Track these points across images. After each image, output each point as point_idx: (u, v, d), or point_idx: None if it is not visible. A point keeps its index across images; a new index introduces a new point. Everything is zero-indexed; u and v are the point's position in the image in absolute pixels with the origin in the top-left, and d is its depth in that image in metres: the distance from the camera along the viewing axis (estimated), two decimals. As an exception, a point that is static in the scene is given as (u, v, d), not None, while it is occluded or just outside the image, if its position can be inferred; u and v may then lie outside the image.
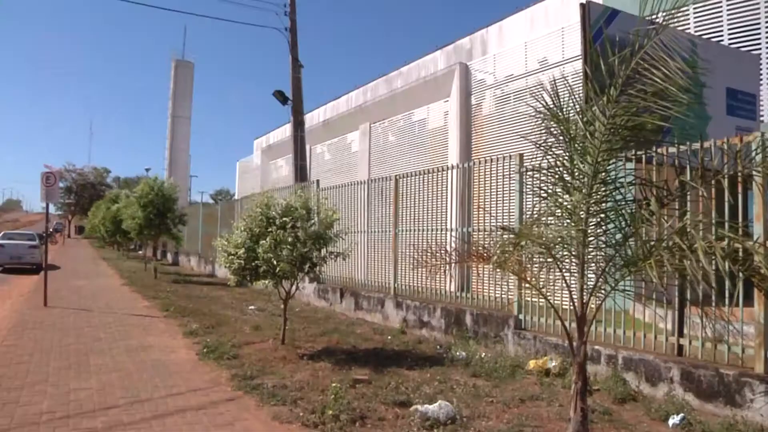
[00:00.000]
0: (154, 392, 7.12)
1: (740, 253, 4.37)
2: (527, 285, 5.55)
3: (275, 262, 9.12)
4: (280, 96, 21.80)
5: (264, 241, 9.24)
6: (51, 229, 57.75)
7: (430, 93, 22.16)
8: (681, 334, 7.47)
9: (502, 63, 18.94)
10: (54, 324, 11.96)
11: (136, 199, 23.59)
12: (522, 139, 6.06)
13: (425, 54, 24.44)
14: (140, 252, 42.36)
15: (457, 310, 10.69)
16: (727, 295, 5.79)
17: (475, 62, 20.52)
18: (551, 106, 5.15)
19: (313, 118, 32.90)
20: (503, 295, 10.00)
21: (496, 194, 10.23)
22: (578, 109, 5.08)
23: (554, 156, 5.18)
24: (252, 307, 15.16)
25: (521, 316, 9.39)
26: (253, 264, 9.44)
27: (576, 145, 4.99)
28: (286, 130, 32.78)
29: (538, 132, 5.31)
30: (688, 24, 15.30)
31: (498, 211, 10.07)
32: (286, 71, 22.75)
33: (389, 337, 11.12)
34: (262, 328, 11.64)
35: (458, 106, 20.42)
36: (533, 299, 9.14)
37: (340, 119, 29.75)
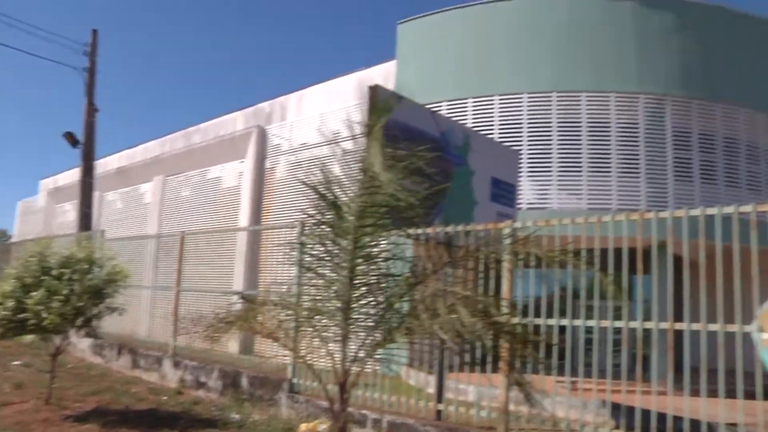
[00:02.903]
0: None
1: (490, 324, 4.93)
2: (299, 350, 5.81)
3: (44, 315, 8.55)
4: (71, 138, 20.58)
5: (35, 293, 8.64)
6: None
7: (226, 152, 22.21)
8: (440, 399, 8.11)
9: (299, 131, 19.61)
10: None
11: None
12: (310, 206, 6.33)
13: (226, 113, 24.58)
14: None
15: (234, 372, 10.66)
16: (487, 362, 6.47)
17: (273, 127, 21.03)
18: (322, 180, 5.51)
19: (107, 164, 31.36)
20: (280, 359, 10.17)
21: (281, 260, 10.46)
22: (343, 187, 5.46)
23: (323, 228, 5.53)
24: (17, 362, 13.85)
25: (295, 380, 9.58)
26: (21, 317, 8.75)
27: (340, 220, 5.37)
28: (76, 173, 30.84)
29: (316, 203, 5.66)
30: (466, 117, 17.05)
31: (283, 277, 10.28)
32: (78, 112, 21.64)
33: (165, 398, 10.75)
34: (26, 386, 10.68)
35: (253, 168, 20.68)
36: (307, 363, 9.38)
37: (135, 168, 28.67)
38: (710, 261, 6.26)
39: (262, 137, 21.01)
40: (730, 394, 6.04)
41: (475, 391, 7.94)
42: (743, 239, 6.19)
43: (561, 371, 7.36)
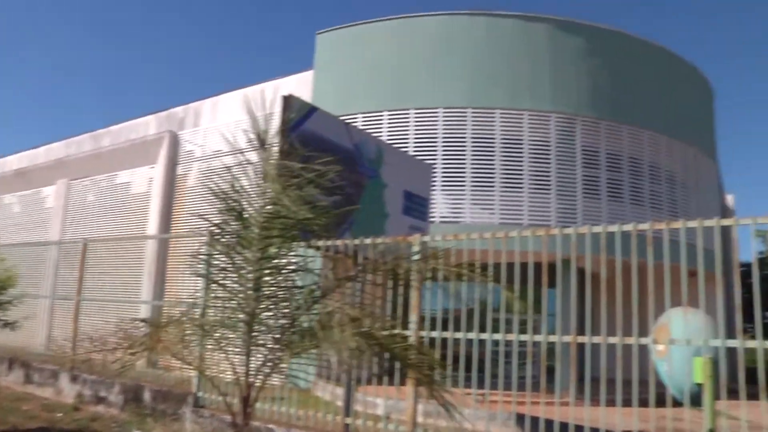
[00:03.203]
0: None
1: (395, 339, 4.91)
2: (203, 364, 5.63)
3: None
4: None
5: None
6: None
7: (137, 157, 21.52)
8: (348, 413, 8.03)
9: (212, 138, 19.22)
10: None
11: None
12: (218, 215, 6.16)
13: (138, 117, 23.82)
14: None
15: (137, 386, 10.26)
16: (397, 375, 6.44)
17: (186, 132, 20.55)
18: (231, 190, 5.38)
19: (5, 165, 29.85)
20: (185, 372, 9.87)
21: (188, 270, 10.16)
22: (252, 197, 5.36)
23: (229, 238, 5.40)
24: None
25: (200, 394, 9.31)
26: None
27: (245, 231, 5.25)
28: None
29: (222, 212, 5.51)
30: (382, 129, 17.14)
31: (189, 288, 10.00)
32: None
33: (60, 415, 10.23)
34: None
35: (163, 175, 20.12)
36: (209, 377, 9.14)
37: (37, 171, 27.34)
38: (613, 276, 6.46)
39: (175, 143, 20.49)
40: (627, 402, 6.25)
41: (385, 404, 7.91)
42: (641, 255, 6.42)
43: (470, 384, 7.42)
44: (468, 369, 7.43)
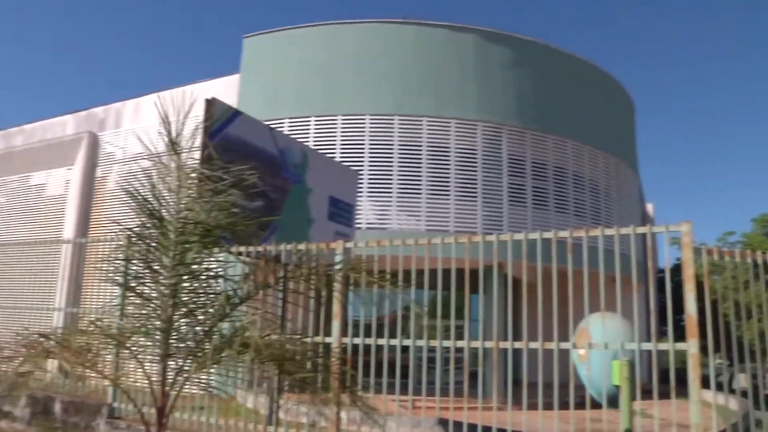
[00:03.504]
0: None
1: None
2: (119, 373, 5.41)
3: None
4: None
5: None
6: None
7: (53, 158, 20.67)
8: (272, 422, 7.86)
9: (134, 140, 18.66)
10: None
11: None
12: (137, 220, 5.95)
13: (56, 116, 22.88)
14: None
15: (46, 398, 9.76)
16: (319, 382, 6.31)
17: (106, 134, 19.90)
18: (149, 193, 5.20)
19: None
20: (100, 382, 9.48)
21: (105, 276, 9.78)
22: (170, 202, 5.19)
23: (147, 244, 5.20)
24: None
25: (116, 404, 8.96)
26: None
27: (162, 236, 5.07)
28: None
29: (140, 217, 5.31)
30: (309, 135, 17.02)
31: (106, 295, 9.63)
32: None
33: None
34: None
35: (82, 177, 19.41)
36: (122, 387, 8.81)
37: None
38: (536, 282, 6.55)
39: (94, 144, 19.81)
40: (549, 406, 6.35)
41: (310, 412, 7.77)
42: (563, 261, 6.53)
43: (398, 390, 7.37)
44: (393, 375, 7.39)
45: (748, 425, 6.69)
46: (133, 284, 5.23)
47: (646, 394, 6.59)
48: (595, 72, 21.48)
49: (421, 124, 17.34)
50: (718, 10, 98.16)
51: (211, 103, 8.68)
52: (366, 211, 16.23)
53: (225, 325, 5.30)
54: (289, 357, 4.59)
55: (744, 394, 16.55)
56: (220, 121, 8.65)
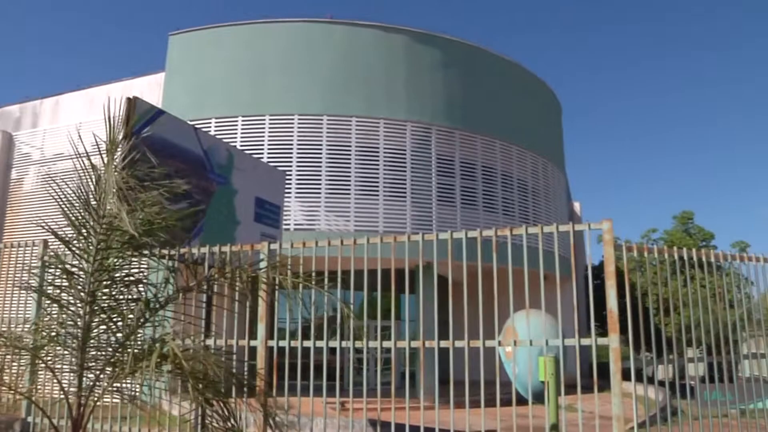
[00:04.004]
0: None
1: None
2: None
3: None
4: None
5: None
6: None
7: (-37, 158, 19.72)
8: (200, 429, 7.66)
9: (53, 140, 17.99)
10: None
11: None
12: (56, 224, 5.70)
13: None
14: None
15: (-46, 414, 9.26)
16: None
17: (22, 134, 19.09)
18: (69, 196, 4.99)
19: None
20: (11, 395, 9.03)
21: (19, 283, 9.35)
22: (90, 205, 4.99)
23: (66, 248, 4.98)
24: None
25: (30, 419, 8.55)
26: None
27: (82, 240, 4.88)
28: None
29: (59, 221, 5.09)
30: (236, 135, 16.75)
31: (22, 303, 9.21)
32: None
33: None
34: None
35: (-4, 179, 18.59)
36: (48, 399, 8.45)
37: None
38: (464, 281, 6.58)
39: (9, 144, 18.97)
40: (476, 403, 6.39)
41: (241, 417, 7.61)
42: (488, 260, 6.59)
43: (330, 392, 7.31)
44: (329, 378, 7.33)
45: (669, 413, 6.92)
46: (49, 290, 5.00)
47: (572, 388, 6.72)
48: (523, 73, 21.91)
49: (350, 124, 17.31)
50: (637, 17, 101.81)
51: (132, 102, 8.43)
52: (294, 212, 16.10)
53: (148, 331, 5.14)
54: (208, 371, 4.45)
55: (663, 384, 17.16)
56: (142, 120, 8.41)
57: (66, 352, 4.90)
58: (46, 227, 5.14)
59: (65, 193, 5.00)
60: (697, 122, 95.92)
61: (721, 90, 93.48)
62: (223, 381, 4.85)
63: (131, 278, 5.06)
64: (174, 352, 4.02)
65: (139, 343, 4.82)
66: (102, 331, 5.02)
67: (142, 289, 5.16)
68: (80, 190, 5.05)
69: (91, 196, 5.04)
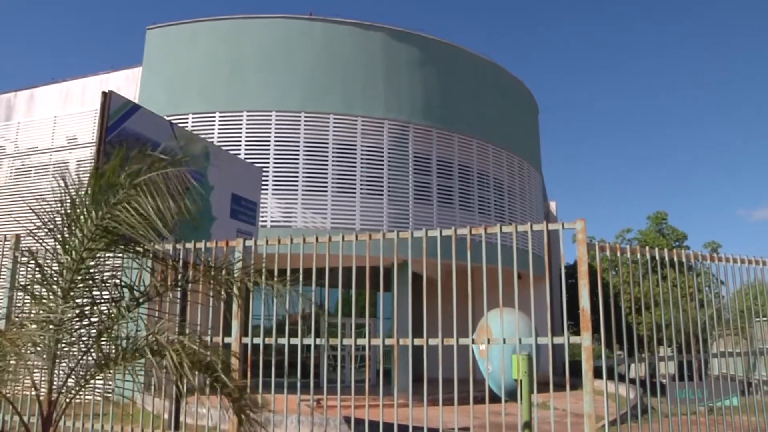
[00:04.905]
0: None
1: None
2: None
3: None
4: None
5: None
6: None
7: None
8: (176, 426, 7.64)
9: (28, 133, 17.73)
10: None
11: None
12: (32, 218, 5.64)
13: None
14: None
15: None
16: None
17: (-4, 127, 18.81)
18: (47, 191, 4.95)
19: None
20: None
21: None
22: (73, 200, 4.94)
23: (41, 243, 4.94)
24: None
25: None
26: None
27: (58, 235, 4.85)
28: None
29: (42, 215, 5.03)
30: (213, 131, 16.68)
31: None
32: None
33: None
34: None
35: (-32, 172, 18.29)
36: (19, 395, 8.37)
37: None
38: (443, 279, 6.63)
39: (-18, 137, 18.68)
40: (450, 401, 6.44)
41: (214, 414, 7.61)
42: (463, 258, 6.63)
43: (305, 389, 7.32)
44: (303, 375, 7.34)
45: (640, 411, 7.03)
46: (23, 284, 4.96)
47: (545, 386, 6.80)
48: (501, 73, 22.04)
49: (327, 122, 17.32)
50: (614, 18, 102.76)
51: (108, 96, 8.38)
52: (271, 209, 16.07)
53: (123, 328, 5.12)
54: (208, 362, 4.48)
55: (635, 382, 17.39)
56: (117, 115, 8.36)
57: (39, 348, 4.87)
58: (20, 223, 5.10)
59: (42, 187, 4.97)
60: (672, 123, 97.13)
61: (696, 92, 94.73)
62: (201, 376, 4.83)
63: (107, 274, 5.05)
64: (162, 345, 4.02)
65: (114, 338, 4.80)
66: (76, 327, 5.00)
67: (118, 282, 5.14)
68: (56, 184, 5.00)
69: (66, 192, 4.99)
